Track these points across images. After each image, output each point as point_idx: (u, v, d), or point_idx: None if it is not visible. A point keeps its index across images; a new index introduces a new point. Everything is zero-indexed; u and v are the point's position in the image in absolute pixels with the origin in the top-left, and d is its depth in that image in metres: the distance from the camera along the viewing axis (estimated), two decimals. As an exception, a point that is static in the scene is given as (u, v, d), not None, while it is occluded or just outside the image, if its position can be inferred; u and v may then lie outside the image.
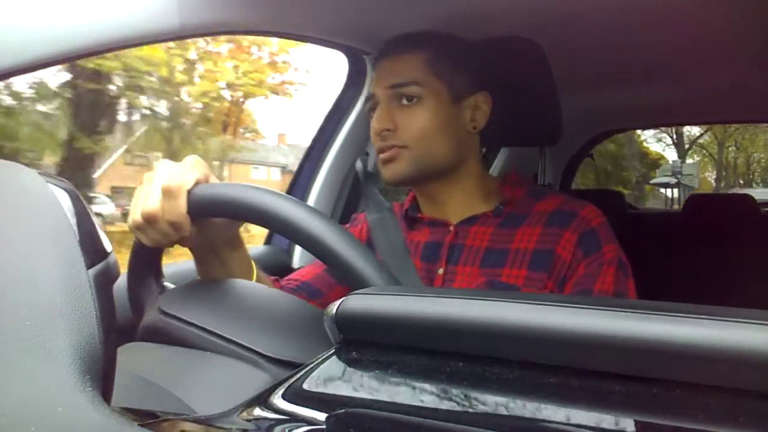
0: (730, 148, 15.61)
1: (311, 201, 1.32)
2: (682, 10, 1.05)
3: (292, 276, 0.96)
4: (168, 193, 0.59)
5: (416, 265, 0.89)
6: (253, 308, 0.61)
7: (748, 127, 13.75)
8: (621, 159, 13.23)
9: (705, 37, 1.20)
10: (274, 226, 0.57)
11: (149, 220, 0.59)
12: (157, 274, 0.67)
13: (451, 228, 0.90)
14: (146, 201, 0.60)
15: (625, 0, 1.03)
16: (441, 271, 0.87)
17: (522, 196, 0.90)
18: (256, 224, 0.60)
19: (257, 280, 0.76)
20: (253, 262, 0.76)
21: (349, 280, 0.53)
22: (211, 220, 0.65)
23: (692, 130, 14.40)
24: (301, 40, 1.17)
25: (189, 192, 0.59)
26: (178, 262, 1.01)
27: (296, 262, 1.32)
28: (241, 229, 0.74)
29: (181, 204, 0.58)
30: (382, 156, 0.87)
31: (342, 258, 0.53)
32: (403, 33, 0.91)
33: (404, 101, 0.86)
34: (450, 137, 0.88)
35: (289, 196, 0.57)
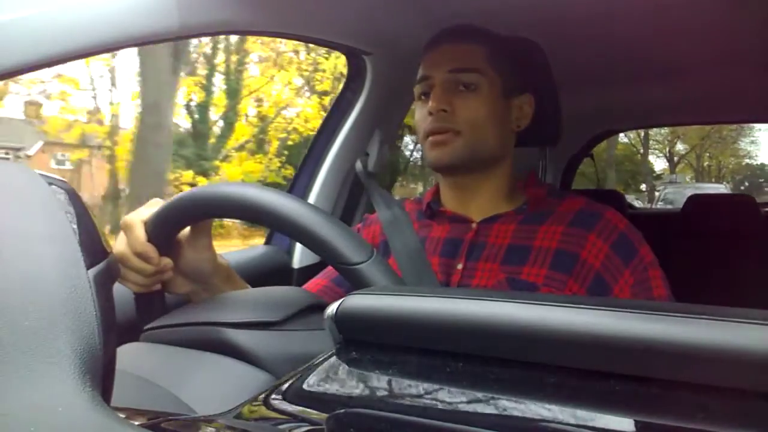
0: (706, 156, 21.69)
1: (311, 201, 1.31)
2: (682, 11, 1.05)
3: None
4: (126, 229, 0.65)
5: (435, 260, 0.89)
6: (219, 299, 0.64)
7: (719, 142, 19.39)
8: (638, 175, 19.14)
9: (705, 37, 1.20)
10: (224, 212, 0.60)
11: (121, 261, 0.64)
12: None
13: (473, 225, 0.90)
14: (115, 246, 0.65)
15: (625, 1, 1.03)
16: (460, 266, 0.87)
17: (544, 196, 0.91)
18: (208, 217, 0.65)
19: None
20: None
21: (310, 246, 0.55)
22: (181, 252, 0.68)
23: (679, 147, 20.84)
24: (302, 40, 1.17)
25: (146, 222, 0.64)
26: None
27: (296, 262, 1.32)
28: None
29: (139, 234, 0.64)
30: (433, 138, 0.87)
31: (286, 218, 0.55)
32: (460, 25, 0.93)
33: (461, 87, 0.87)
34: (499, 131, 0.89)
35: (234, 182, 0.60)
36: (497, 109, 0.88)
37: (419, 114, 0.91)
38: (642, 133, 17.70)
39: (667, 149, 20.41)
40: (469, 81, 0.86)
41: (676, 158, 21.00)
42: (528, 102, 0.92)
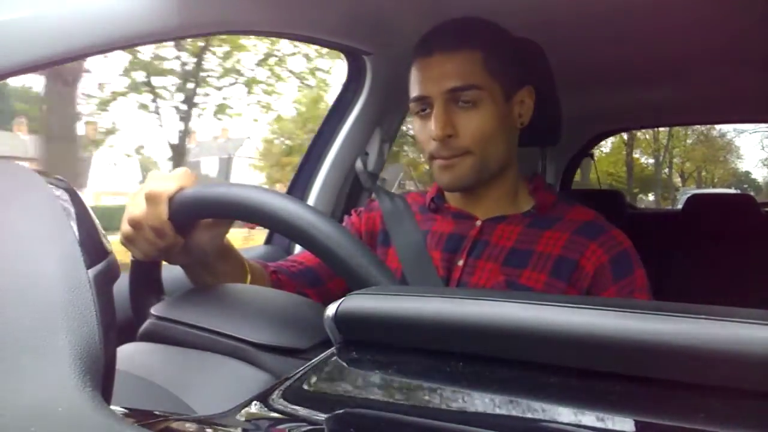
0: (704, 171, 29.89)
1: (311, 200, 1.31)
2: (682, 11, 1.05)
3: (296, 257, 0.95)
4: (150, 199, 0.61)
5: (437, 255, 0.89)
6: (241, 304, 0.62)
7: (714, 161, 27.16)
8: (667, 189, 26.48)
9: (705, 37, 1.20)
10: (256, 219, 0.58)
11: (134, 227, 0.62)
12: (158, 289, 0.68)
13: (478, 223, 0.89)
14: (132, 208, 0.62)
15: (625, 0, 1.03)
16: (461, 263, 0.87)
17: (553, 202, 0.90)
18: (237, 219, 0.62)
19: (253, 280, 0.77)
20: (247, 266, 0.77)
21: (332, 266, 0.54)
22: (196, 233, 0.66)
23: (687, 165, 28.89)
24: (302, 40, 1.17)
25: (171, 199, 0.61)
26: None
27: (296, 262, 1.32)
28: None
29: (162, 209, 0.61)
30: (442, 163, 0.85)
31: (324, 245, 0.53)
32: (451, 25, 0.88)
33: (461, 103, 0.83)
34: (505, 137, 0.87)
35: (273, 191, 0.58)
36: (501, 116, 0.85)
37: (421, 132, 0.87)
38: (668, 160, 25.45)
39: (681, 169, 29.30)
40: (470, 97, 0.83)
41: (686, 175, 29.50)
42: (528, 94, 0.89)
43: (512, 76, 0.87)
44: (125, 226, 0.63)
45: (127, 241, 0.64)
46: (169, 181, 0.62)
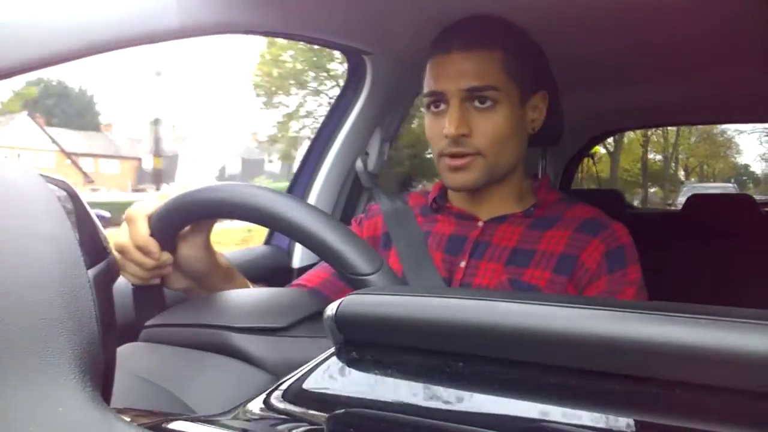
0: (706, 165, 32.26)
1: (311, 201, 1.31)
2: (682, 10, 1.05)
3: (300, 281, 0.95)
4: (129, 221, 0.64)
5: (438, 256, 0.88)
6: (224, 301, 0.63)
7: (715, 156, 29.21)
8: (674, 183, 28.91)
9: (705, 37, 1.20)
10: (235, 214, 0.59)
11: (121, 251, 0.64)
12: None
13: (480, 224, 0.89)
14: (116, 236, 0.64)
15: (625, 1, 1.03)
16: (463, 264, 0.86)
17: (555, 200, 0.90)
18: (222, 218, 0.64)
19: None
20: (251, 286, 0.77)
21: (322, 255, 0.55)
22: (179, 248, 0.67)
23: (690, 160, 31.25)
24: (301, 40, 1.17)
25: (150, 217, 0.64)
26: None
27: (296, 262, 1.32)
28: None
29: (142, 227, 0.63)
30: (454, 163, 0.84)
31: (304, 229, 0.55)
32: (471, 23, 0.87)
33: (477, 103, 0.82)
34: (517, 141, 0.86)
35: (249, 185, 0.60)
36: (516, 120, 0.84)
37: (432, 128, 0.86)
38: (673, 158, 27.39)
39: (684, 164, 31.67)
40: (487, 97, 0.82)
41: (689, 169, 31.82)
42: (542, 99, 0.89)
43: (529, 79, 0.86)
44: (115, 254, 0.64)
45: (121, 270, 0.65)
46: (146, 202, 0.65)
